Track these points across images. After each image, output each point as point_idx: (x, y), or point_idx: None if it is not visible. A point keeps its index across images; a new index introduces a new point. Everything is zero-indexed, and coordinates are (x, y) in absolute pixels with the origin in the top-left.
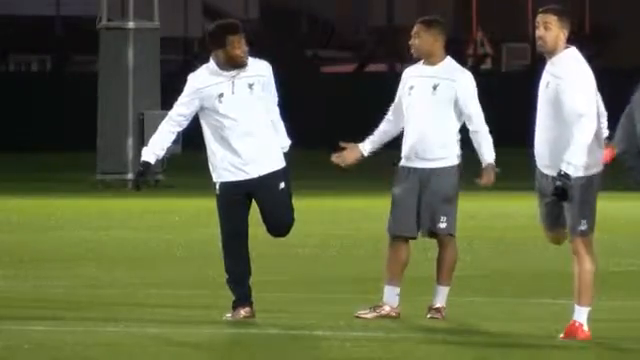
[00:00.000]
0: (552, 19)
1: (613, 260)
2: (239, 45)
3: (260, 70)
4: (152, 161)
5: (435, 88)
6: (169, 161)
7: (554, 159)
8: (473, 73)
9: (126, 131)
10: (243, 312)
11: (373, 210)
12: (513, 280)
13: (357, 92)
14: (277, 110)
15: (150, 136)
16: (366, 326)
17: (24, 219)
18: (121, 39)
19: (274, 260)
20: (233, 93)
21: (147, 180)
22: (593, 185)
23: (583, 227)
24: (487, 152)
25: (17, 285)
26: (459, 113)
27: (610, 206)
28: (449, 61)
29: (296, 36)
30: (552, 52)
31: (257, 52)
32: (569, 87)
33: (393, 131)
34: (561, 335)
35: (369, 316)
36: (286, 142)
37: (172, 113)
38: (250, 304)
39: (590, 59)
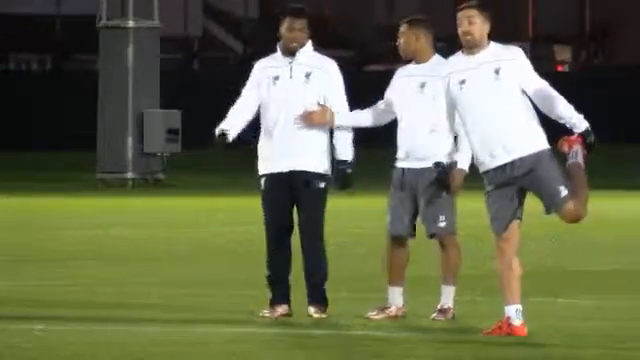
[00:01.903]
0: (474, 13)
1: (616, 259)
2: (291, 27)
3: (322, 64)
4: (227, 128)
5: (422, 86)
6: (169, 160)
7: (509, 143)
8: None
9: (126, 130)
10: (280, 310)
11: (373, 209)
12: None
13: (358, 91)
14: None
15: (149, 135)
16: (366, 326)
17: (24, 218)
18: (121, 38)
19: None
20: (291, 77)
21: (229, 143)
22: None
23: (564, 193)
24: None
25: (17, 285)
26: None
27: (610, 205)
28: (437, 59)
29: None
30: (480, 45)
31: (257, 52)
32: (527, 65)
33: (372, 120)
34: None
35: (378, 317)
36: (343, 155)
37: (238, 101)
38: (288, 302)
39: (590, 58)
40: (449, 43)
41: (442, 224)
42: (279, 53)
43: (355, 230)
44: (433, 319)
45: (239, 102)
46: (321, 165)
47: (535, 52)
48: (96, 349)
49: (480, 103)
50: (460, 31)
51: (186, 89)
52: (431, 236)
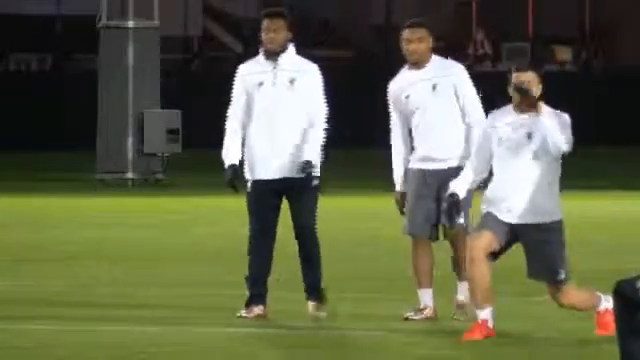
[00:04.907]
0: (532, 76)
1: (614, 259)
2: (267, 28)
3: (304, 68)
4: (236, 161)
5: (434, 88)
6: (169, 160)
7: (533, 207)
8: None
9: (126, 130)
10: (257, 310)
11: (374, 209)
12: (512, 279)
13: (358, 90)
14: (319, 120)
15: (149, 135)
16: (366, 326)
17: (24, 218)
18: (121, 38)
19: (274, 259)
20: (274, 84)
21: (239, 181)
22: None
23: (563, 276)
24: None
25: (17, 285)
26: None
27: (609, 205)
28: (438, 59)
29: (296, 35)
30: (532, 109)
31: (257, 52)
32: (560, 127)
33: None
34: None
35: (417, 318)
36: (307, 156)
37: (230, 111)
38: (264, 303)
39: (590, 59)
40: (448, 43)
41: (461, 220)
42: (262, 57)
43: (355, 231)
44: (455, 318)
45: (232, 120)
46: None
47: (535, 52)
48: (96, 349)
49: (513, 163)
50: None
51: (186, 89)
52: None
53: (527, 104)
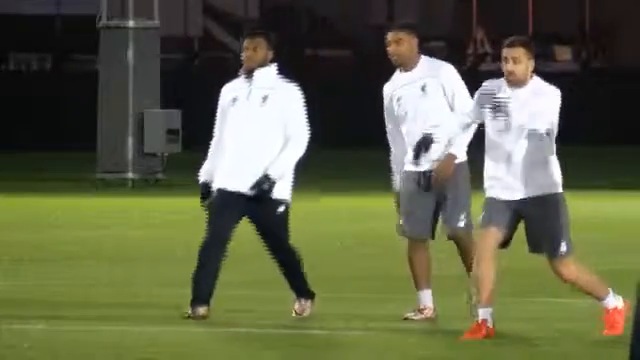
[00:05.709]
0: (521, 52)
1: (614, 259)
2: (245, 47)
3: (280, 86)
4: (206, 180)
5: (424, 89)
6: (169, 160)
7: (527, 180)
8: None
9: (126, 130)
10: (202, 310)
11: (374, 209)
12: (512, 279)
13: (358, 90)
14: (294, 141)
15: (149, 135)
16: (365, 326)
17: (24, 218)
18: (121, 38)
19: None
20: (247, 100)
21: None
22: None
23: (564, 248)
24: (455, 147)
25: (17, 284)
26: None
27: (610, 205)
28: (427, 59)
29: (296, 35)
30: (522, 84)
31: None
32: (555, 107)
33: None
34: (605, 331)
35: (417, 318)
36: (273, 170)
37: (215, 136)
38: (208, 304)
39: (590, 59)
40: (448, 43)
41: (462, 223)
42: (243, 74)
43: (357, 231)
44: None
45: (216, 138)
46: (275, 190)
47: (535, 52)
48: (96, 349)
49: (507, 139)
50: (504, 69)
51: (186, 89)
52: (453, 237)
53: (515, 81)
